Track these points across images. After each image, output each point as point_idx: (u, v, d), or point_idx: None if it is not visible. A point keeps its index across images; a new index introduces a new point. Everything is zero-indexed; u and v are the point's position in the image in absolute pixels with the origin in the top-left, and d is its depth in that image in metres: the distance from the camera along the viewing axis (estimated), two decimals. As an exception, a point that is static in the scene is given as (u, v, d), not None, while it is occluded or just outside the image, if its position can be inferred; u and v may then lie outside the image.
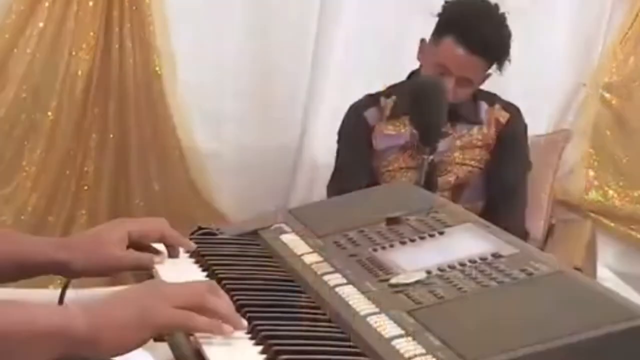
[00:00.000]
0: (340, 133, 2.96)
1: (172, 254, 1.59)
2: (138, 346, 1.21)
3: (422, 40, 2.83)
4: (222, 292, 1.30)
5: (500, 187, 2.86)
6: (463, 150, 2.85)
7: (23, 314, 1.20)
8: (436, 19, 2.79)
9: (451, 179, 2.82)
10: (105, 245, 1.53)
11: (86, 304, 1.22)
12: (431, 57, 2.76)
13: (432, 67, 2.74)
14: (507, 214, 2.77)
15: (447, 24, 2.75)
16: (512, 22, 2.79)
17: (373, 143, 2.87)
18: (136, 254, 1.55)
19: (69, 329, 1.18)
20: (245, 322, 1.25)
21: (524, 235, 2.79)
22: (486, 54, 2.74)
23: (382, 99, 2.90)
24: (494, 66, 2.78)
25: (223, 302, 1.26)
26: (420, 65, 2.85)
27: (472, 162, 2.86)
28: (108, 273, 1.59)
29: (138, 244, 1.57)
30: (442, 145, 2.76)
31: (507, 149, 2.87)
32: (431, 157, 2.32)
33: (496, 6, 2.78)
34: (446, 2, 2.81)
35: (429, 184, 2.24)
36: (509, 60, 2.77)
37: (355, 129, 2.91)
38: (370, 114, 2.89)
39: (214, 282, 1.37)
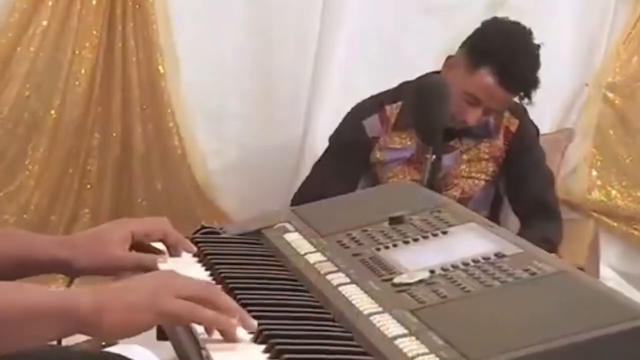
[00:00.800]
0: (333, 137, 2.88)
1: (173, 253, 1.60)
2: (142, 331, 1.21)
3: (449, 57, 2.74)
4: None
5: (531, 204, 2.80)
6: (470, 163, 2.80)
7: (22, 293, 1.21)
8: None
9: (456, 193, 2.77)
10: (108, 244, 1.53)
11: (95, 287, 1.23)
12: (461, 84, 2.63)
13: (460, 93, 2.61)
14: (543, 229, 2.70)
15: (484, 55, 2.64)
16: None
17: (378, 155, 2.79)
18: (138, 255, 1.56)
19: (72, 308, 1.19)
20: (255, 322, 1.25)
21: (555, 249, 2.70)
22: (521, 90, 2.68)
23: (387, 107, 2.80)
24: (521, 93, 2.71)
25: (234, 301, 1.27)
26: (437, 71, 2.75)
27: (479, 175, 2.81)
28: (110, 272, 1.59)
29: (140, 244, 1.58)
30: (448, 159, 2.73)
31: (525, 162, 2.81)
32: (434, 156, 2.28)
33: (530, 32, 2.69)
34: (482, 24, 2.71)
35: (432, 183, 2.21)
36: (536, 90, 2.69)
37: (350, 137, 2.82)
38: (370, 123, 2.80)
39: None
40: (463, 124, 2.69)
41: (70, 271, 1.54)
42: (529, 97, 2.70)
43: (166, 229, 1.60)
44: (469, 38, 2.74)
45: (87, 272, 1.54)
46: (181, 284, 1.25)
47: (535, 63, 2.67)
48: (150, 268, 1.53)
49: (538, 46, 2.68)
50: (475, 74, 2.65)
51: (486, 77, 2.64)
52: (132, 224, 1.58)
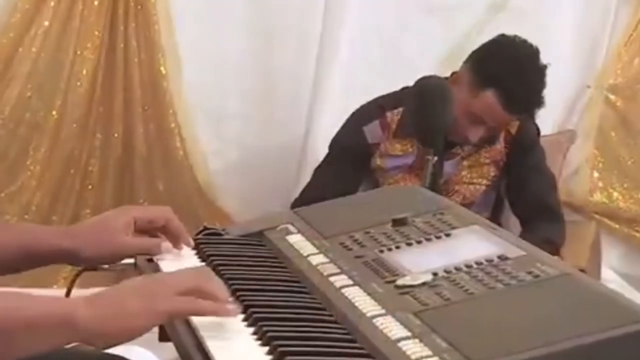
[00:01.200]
0: (333, 142, 2.85)
1: (175, 245, 1.61)
2: (141, 334, 1.23)
3: (454, 74, 2.70)
4: (216, 277, 1.33)
5: (533, 207, 2.78)
6: (471, 169, 2.78)
7: (20, 303, 1.21)
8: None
9: (458, 199, 2.72)
10: (112, 231, 1.55)
11: (90, 295, 1.24)
12: (465, 103, 2.59)
13: (464, 112, 2.59)
14: (545, 231, 2.68)
15: (489, 77, 2.59)
16: (516, 23, 2.77)
17: (378, 161, 2.77)
18: (142, 240, 1.58)
19: (72, 318, 1.19)
20: (238, 309, 1.29)
21: (557, 251, 2.68)
22: (526, 112, 2.66)
23: (389, 114, 2.76)
24: None
25: (220, 286, 1.30)
26: (443, 76, 2.69)
27: (480, 180, 2.79)
28: (115, 259, 1.60)
29: (143, 231, 1.59)
30: (449, 165, 2.71)
31: (526, 164, 2.79)
32: (435, 158, 2.27)
33: (537, 52, 2.62)
34: (489, 43, 2.66)
35: (434, 189, 2.19)
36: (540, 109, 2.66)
37: (351, 143, 2.78)
38: (371, 129, 2.76)
39: (208, 268, 1.43)
40: (465, 140, 2.68)
41: (76, 260, 1.56)
42: (532, 116, 2.69)
43: (168, 216, 1.61)
44: (475, 54, 2.69)
45: (93, 260, 1.56)
46: (172, 281, 1.26)
47: (541, 86, 2.61)
48: (155, 252, 1.57)
49: (545, 67, 2.61)
50: (479, 95, 2.60)
51: (491, 100, 2.59)
52: (135, 211, 1.60)
